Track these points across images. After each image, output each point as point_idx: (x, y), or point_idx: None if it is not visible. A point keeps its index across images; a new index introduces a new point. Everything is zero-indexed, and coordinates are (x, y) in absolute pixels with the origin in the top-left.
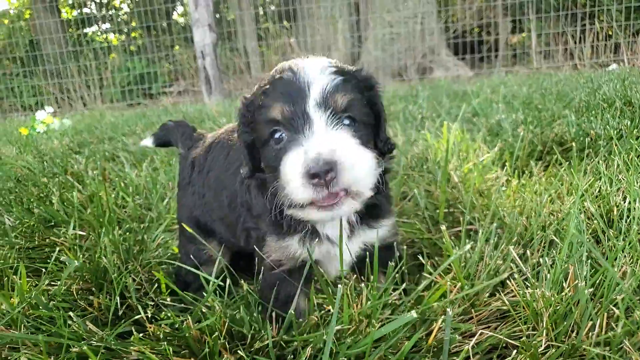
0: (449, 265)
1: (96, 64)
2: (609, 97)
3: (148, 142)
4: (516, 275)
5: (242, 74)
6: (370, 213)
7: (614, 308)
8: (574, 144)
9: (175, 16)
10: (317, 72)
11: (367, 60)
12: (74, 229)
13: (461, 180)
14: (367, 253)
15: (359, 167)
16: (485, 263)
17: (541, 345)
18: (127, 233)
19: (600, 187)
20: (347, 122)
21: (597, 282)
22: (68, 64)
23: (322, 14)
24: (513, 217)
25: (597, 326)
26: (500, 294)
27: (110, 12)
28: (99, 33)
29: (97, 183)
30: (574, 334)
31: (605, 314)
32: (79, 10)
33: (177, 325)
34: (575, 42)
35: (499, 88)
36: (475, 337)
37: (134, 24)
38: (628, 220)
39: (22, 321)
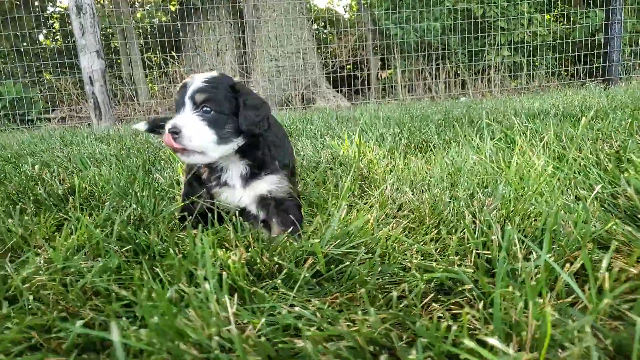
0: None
1: None
2: (458, 117)
3: (141, 126)
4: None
5: (132, 101)
6: (256, 168)
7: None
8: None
9: (41, 38)
10: (196, 80)
11: (256, 90)
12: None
13: (365, 166)
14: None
15: (195, 137)
16: (388, 196)
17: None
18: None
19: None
20: (205, 109)
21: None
22: None
23: (209, 46)
24: (402, 177)
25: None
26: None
27: None
28: None
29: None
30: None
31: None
32: None
33: None
34: (432, 79)
35: (377, 113)
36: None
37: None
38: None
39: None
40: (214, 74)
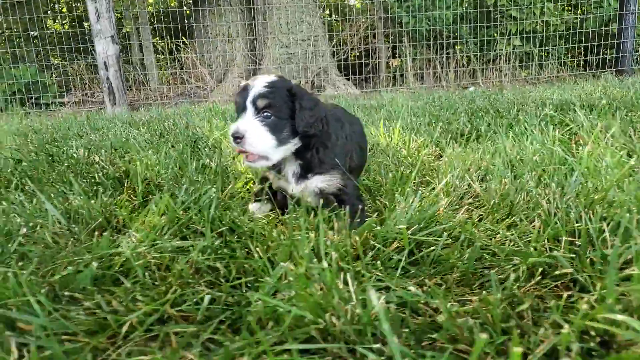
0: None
1: None
2: (483, 107)
3: None
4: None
5: (144, 86)
6: (305, 168)
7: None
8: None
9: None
10: (257, 84)
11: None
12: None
13: (408, 155)
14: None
15: (257, 142)
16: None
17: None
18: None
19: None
20: (265, 114)
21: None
22: None
23: (220, 32)
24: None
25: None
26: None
27: None
28: None
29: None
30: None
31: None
32: None
33: None
34: (441, 67)
35: (404, 102)
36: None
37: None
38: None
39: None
40: (273, 78)
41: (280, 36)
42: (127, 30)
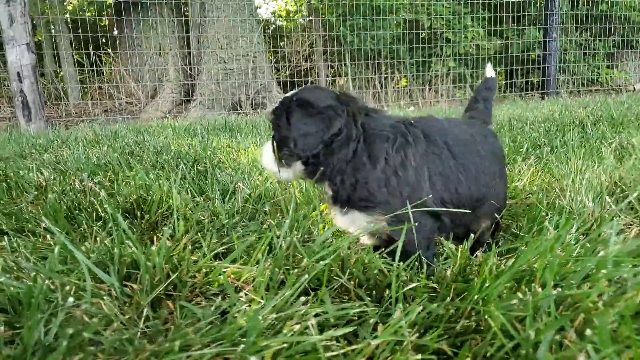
0: None
1: None
2: None
3: None
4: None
5: (62, 101)
6: (341, 200)
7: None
8: None
9: None
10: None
11: (204, 92)
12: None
13: None
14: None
15: (262, 158)
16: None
17: None
18: None
19: None
20: (274, 131)
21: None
22: None
23: (151, 44)
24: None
25: None
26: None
27: None
28: None
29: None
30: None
31: None
32: None
33: None
34: (381, 87)
35: None
36: None
37: None
38: None
39: None
40: (296, 91)
41: (219, 51)
42: (39, 38)
